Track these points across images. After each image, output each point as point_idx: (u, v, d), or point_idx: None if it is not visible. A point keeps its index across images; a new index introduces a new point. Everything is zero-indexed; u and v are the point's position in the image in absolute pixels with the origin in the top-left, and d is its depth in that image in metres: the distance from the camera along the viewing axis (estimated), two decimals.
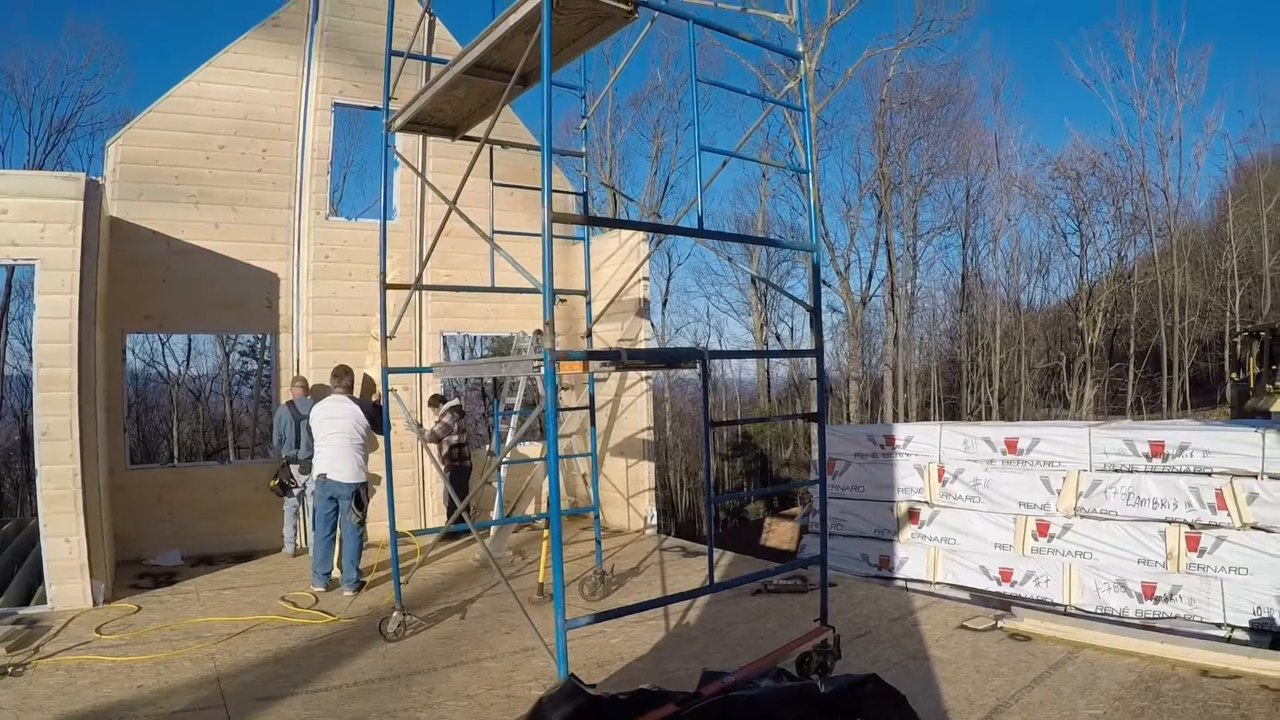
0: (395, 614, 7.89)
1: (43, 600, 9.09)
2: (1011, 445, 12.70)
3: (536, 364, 5.76)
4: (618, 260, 12.61)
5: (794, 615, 8.07)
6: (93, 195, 9.39)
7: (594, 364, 6.29)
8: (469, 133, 8.62)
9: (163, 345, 36.93)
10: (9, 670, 7.09)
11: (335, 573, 9.87)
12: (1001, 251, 38.36)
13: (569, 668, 5.04)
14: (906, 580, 13.22)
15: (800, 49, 7.31)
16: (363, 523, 9.72)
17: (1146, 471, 11.62)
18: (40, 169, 32.14)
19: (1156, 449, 11.61)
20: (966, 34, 41.31)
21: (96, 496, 9.38)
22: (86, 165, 35.24)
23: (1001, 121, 39.66)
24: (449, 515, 11.59)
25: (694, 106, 6.42)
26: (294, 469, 11.20)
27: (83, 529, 9.01)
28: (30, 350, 9.77)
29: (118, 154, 11.83)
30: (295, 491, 11.35)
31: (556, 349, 5.16)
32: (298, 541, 11.60)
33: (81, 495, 9.02)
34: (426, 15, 8.38)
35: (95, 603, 9.08)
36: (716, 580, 6.16)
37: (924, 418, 35.70)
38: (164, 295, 11.80)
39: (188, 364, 38.49)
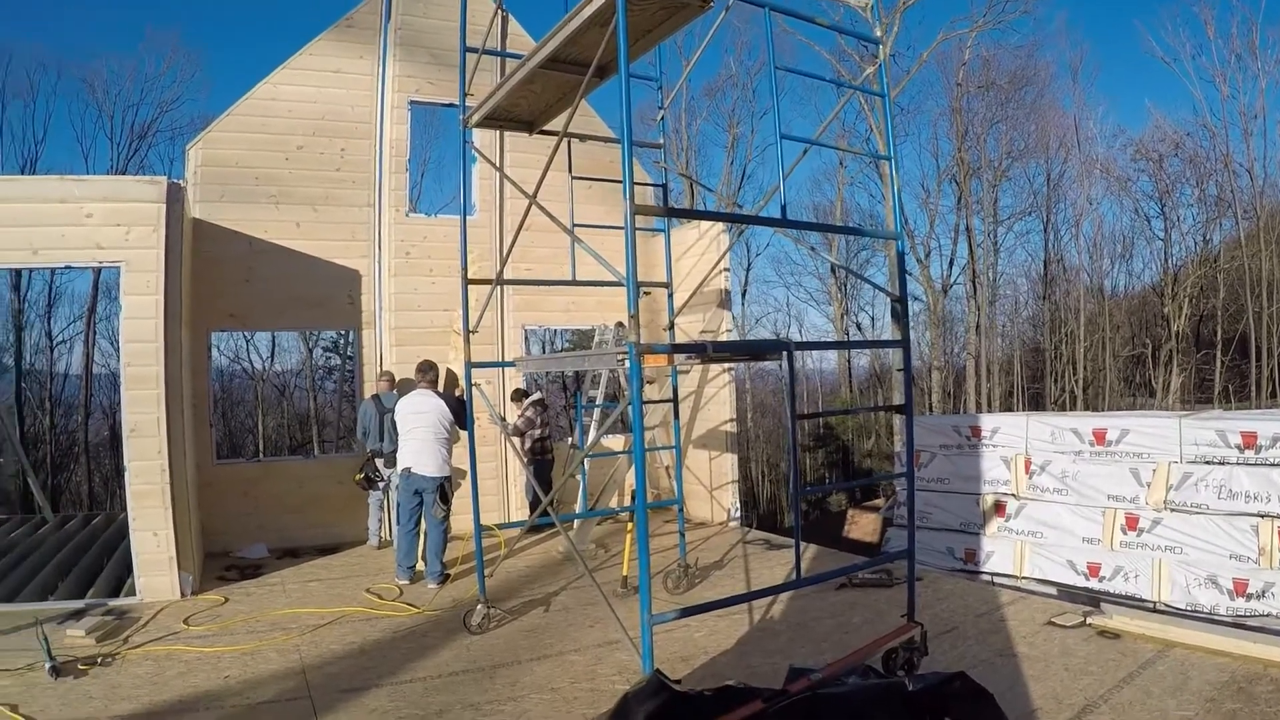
0: (479, 607, 7.92)
1: (132, 592, 9.27)
2: (1100, 436, 12.40)
3: (621, 357, 5.73)
4: (698, 251, 12.54)
5: (879, 610, 7.96)
6: (175, 198, 9.53)
7: (678, 357, 6.25)
8: (546, 127, 8.61)
9: (247, 342, 37.66)
10: (99, 660, 7.24)
11: (419, 566, 9.95)
12: (1084, 236, 37.52)
13: (654, 662, 5.00)
14: (992, 575, 12.98)
15: (877, 32, 7.19)
16: (447, 516, 9.78)
17: (1239, 464, 11.24)
18: (123, 174, 32.84)
19: (1249, 440, 11.24)
20: (1042, 14, 40.49)
21: (184, 491, 9.55)
22: (168, 169, 36.01)
23: (1080, 103, 38.76)
24: (531, 508, 11.70)
25: (773, 94, 6.33)
26: (379, 463, 11.29)
27: (170, 523, 9.18)
28: (117, 349, 9.95)
29: (198, 157, 12.04)
30: (380, 485, 11.44)
31: (640, 342, 5.13)
32: (382, 534, 11.68)
33: (169, 490, 9.18)
34: (499, 11, 8.39)
35: (183, 594, 9.24)
36: (802, 575, 6.09)
37: (1007, 407, 35.08)
38: (247, 294, 12.00)
39: (272, 360, 39.24)
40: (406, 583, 9.77)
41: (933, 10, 55.28)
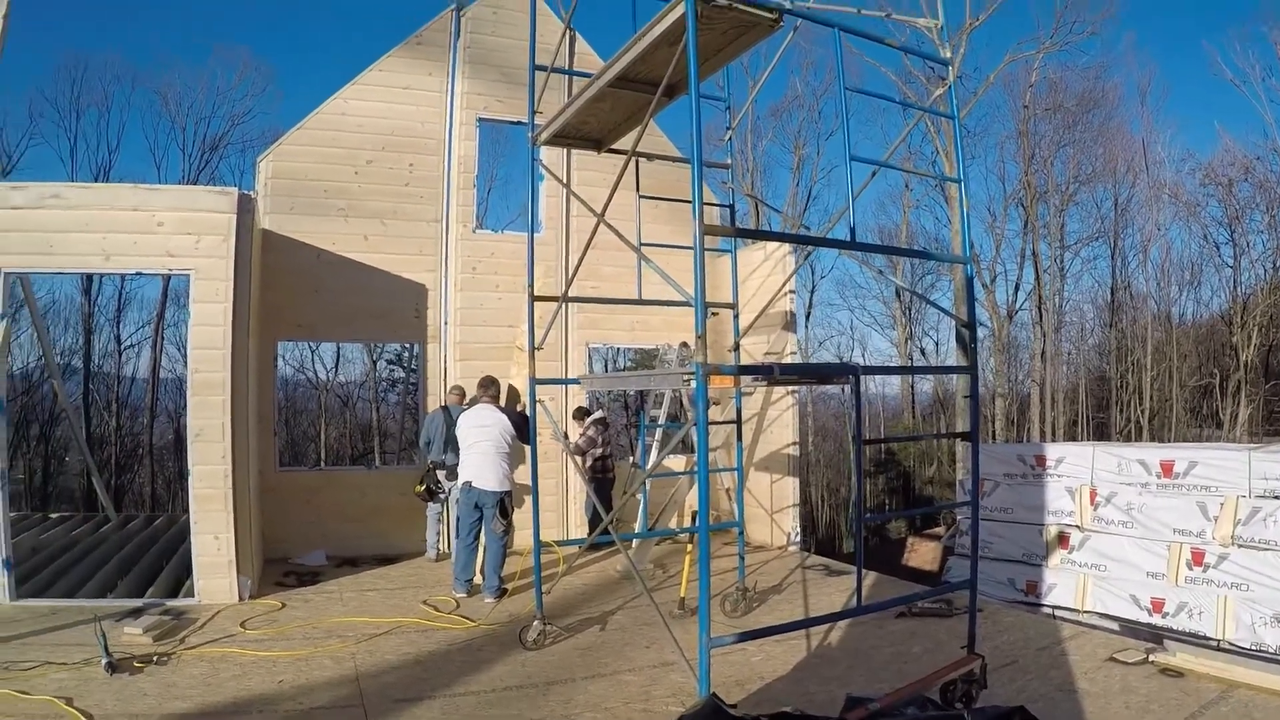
0: (536, 623, 7.90)
1: (190, 593, 9.42)
2: (1167, 468, 12.13)
3: (687, 378, 5.70)
4: (763, 273, 12.50)
5: (939, 640, 7.83)
6: (245, 209, 9.70)
7: (744, 379, 6.22)
8: (614, 145, 8.63)
9: (312, 352, 38.12)
10: (154, 659, 7.34)
11: (477, 579, 9.97)
12: (1151, 263, 36.74)
13: (710, 686, 4.96)
14: (1054, 607, 12.73)
15: (946, 54, 7.13)
16: (507, 530, 9.81)
17: None
18: (194, 184, 33.44)
19: None
20: (1109, 35, 39.55)
21: (246, 496, 9.68)
22: (238, 180, 36.54)
23: (1149, 126, 37.92)
24: (591, 526, 11.69)
25: (842, 116, 6.31)
26: (441, 475, 11.35)
27: (231, 527, 9.32)
28: (184, 355, 10.13)
29: (269, 169, 12.28)
30: (441, 497, 11.49)
31: (707, 363, 5.11)
32: (440, 547, 11.73)
33: (232, 495, 9.33)
34: (567, 30, 8.42)
35: (241, 598, 9.36)
36: (862, 602, 6.02)
37: (1071, 436, 34.49)
38: (315, 305, 12.19)
39: (336, 370, 39.69)
40: (464, 596, 9.78)
41: (999, 32, 54.93)
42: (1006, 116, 39.25)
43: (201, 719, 6.21)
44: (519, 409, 10.62)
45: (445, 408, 11.66)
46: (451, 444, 10.90)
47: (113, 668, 7.00)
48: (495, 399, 10.21)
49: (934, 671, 6.10)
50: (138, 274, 10.02)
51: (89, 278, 32.10)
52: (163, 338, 35.78)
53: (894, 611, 8.60)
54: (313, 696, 6.62)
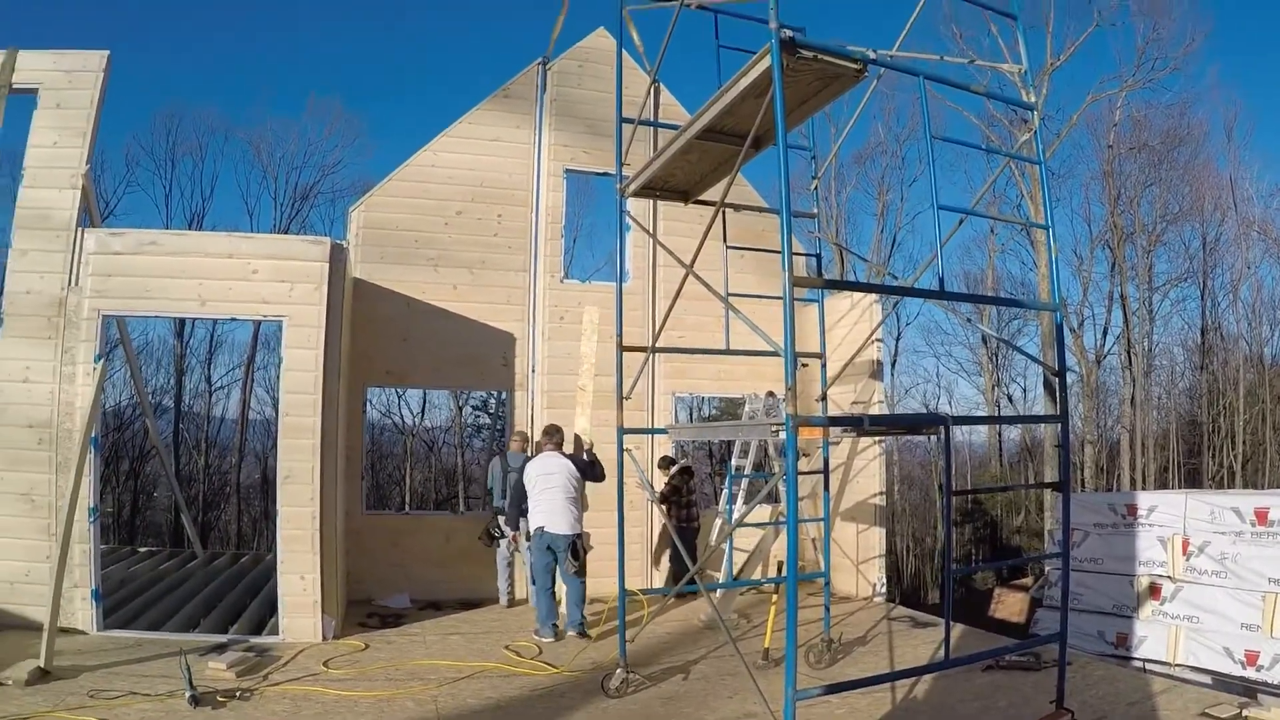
0: (619, 670, 7.89)
1: (274, 631, 9.57)
2: (1262, 516, 11.76)
3: (776, 429, 5.69)
4: (850, 321, 12.44)
5: (1026, 695, 7.63)
6: (337, 257, 9.94)
7: (833, 430, 6.20)
8: (701, 196, 8.69)
9: (399, 397, 38.58)
10: (237, 694, 7.46)
11: (560, 622, 10.06)
12: (1242, 302, 35.75)
13: None
14: (1145, 660, 12.40)
15: (1031, 99, 7.09)
16: (580, 571, 9.95)
17: None
18: (285, 233, 34.25)
19: None
20: (1193, 70, 38.69)
21: (333, 538, 9.85)
22: (329, 229, 37.42)
23: (1236, 162, 36.91)
24: (675, 575, 11.66)
25: (928, 165, 6.29)
26: (501, 520, 11.40)
27: (317, 567, 9.48)
28: (274, 397, 10.36)
29: (360, 219, 12.58)
30: (500, 541, 11.56)
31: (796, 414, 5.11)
32: (511, 594, 11.77)
33: (318, 536, 9.51)
34: (653, 83, 8.52)
35: (324, 637, 9.48)
36: (949, 656, 5.93)
37: (1162, 484, 33.55)
38: (404, 352, 12.40)
39: (422, 416, 40.12)
40: (551, 640, 9.83)
41: (1081, 71, 54.07)
42: (1091, 157, 38.45)
43: None
44: (587, 449, 10.70)
45: (503, 454, 11.87)
46: (511, 491, 11.04)
47: (196, 701, 7.15)
48: (559, 446, 10.35)
49: None
50: (232, 320, 10.29)
51: (181, 321, 32.91)
52: (252, 380, 36.61)
53: (980, 664, 8.43)
54: None
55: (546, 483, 9.97)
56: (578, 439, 10.49)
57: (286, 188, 39.10)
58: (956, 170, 40.38)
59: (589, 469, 10.09)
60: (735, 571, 11.60)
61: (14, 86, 10.13)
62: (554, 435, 10.43)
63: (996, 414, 37.60)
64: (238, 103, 63.49)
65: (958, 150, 39.25)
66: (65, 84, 10.12)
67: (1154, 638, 12.42)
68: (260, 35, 61.37)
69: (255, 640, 9.40)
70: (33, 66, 10.21)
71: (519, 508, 10.43)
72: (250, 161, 50.71)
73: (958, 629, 10.31)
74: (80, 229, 9.80)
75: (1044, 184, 7.56)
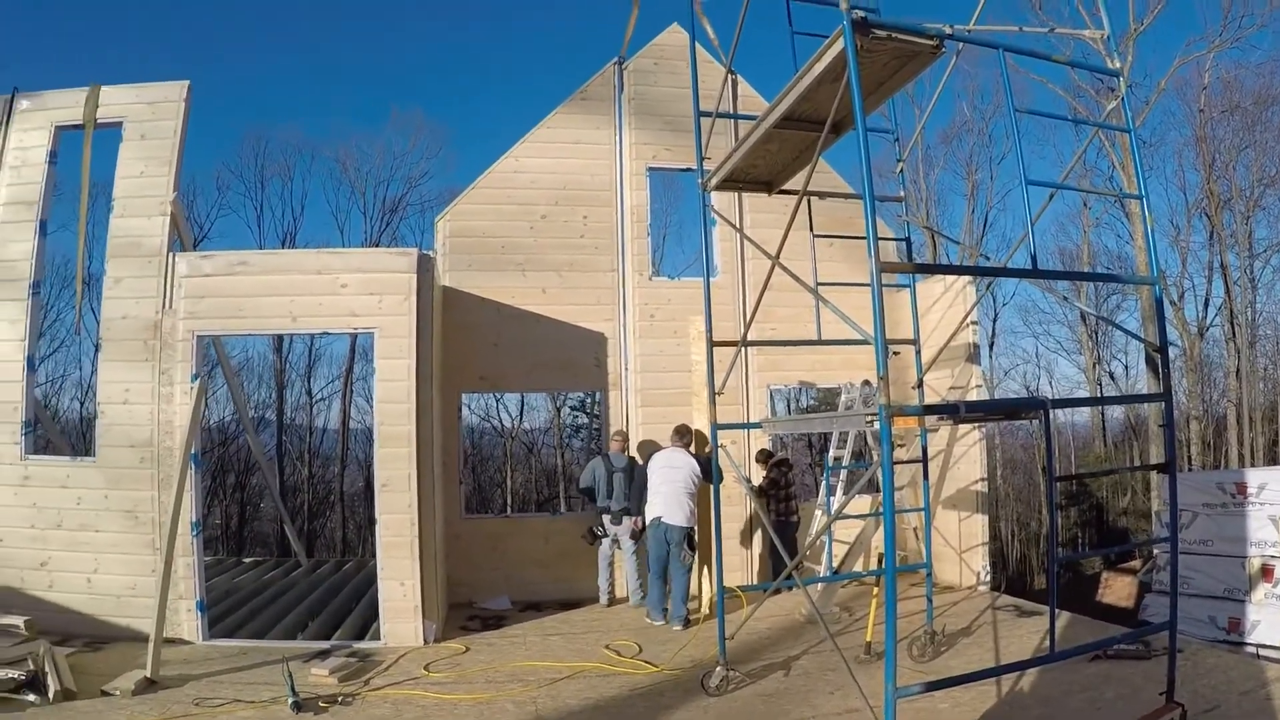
0: (718, 668, 7.82)
1: (376, 636, 9.73)
2: None
3: (870, 419, 5.58)
4: (944, 305, 12.21)
5: (1135, 685, 7.38)
6: (425, 267, 10.05)
7: (929, 418, 6.07)
8: (784, 186, 8.58)
9: (497, 401, 38.92)
10: (339, 699, 7.60)
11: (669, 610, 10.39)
12: None
13: None
14: (1258, 646, 11.98)
15: (1116, 65, 6.86)
16: (693, 563, 10.25)
17: None
18: (375, 246, 34.83)
19: None
20: None
21: (432, 543, 9.96)
22: (419, 240, 38.00)
23: None
24: (774, 570, 11.59)
25: (1014, 139, 6.13)
26: (605, 519, 11.49)
27: (417, 573, 9.59)
28: (373, 407, 10.52)
29: (446, 228, 12.73)
30: (601, 538, 11.61)
31: (890, 403, 5.00)
32: (612, 593, 11.78)
33: (417, 542, 9.62)
34: (729, 75, 8.43)
35: (425, 641, 9.59)
36: (1056, 646, 5.77)
37: (1271, 459, 32.19)
38: (496, 357, 12.48)
39: (521, 418, 40.43)
40: (661, 623, 10.34)
41: (1166, 34, 51.97)
42: (1182, 123, 37.20)
43: None
44: (706, 452, 10.80)
45: (605, 455, 11.90)
46: (617, 489, 11.40)
47: (298, 707, 7.29)
48: (687, 446, 10.73)
49: None
50: (324, 333, 10.49)
51: (280, 337, 33.67)
52: (351, 390, 37.24)
53: (1088, 654, 8.21)
54: None
55: (669, 475, 10.47)
56: (700, 435, 10.67)
57: (375, 202, 39.84)
58: (1045, 144, 39.55)
59: (708, 468, 10.20)
60: (836, 564, 11.46)
61: (99, 121, 10.53)
62: (685, 435, 10.89)
63: (1098, 393, 36.68)
64: (320, 121, 64.71)
65: (1045, 124, 38.39)
66: (148, 116, 10.46)
67: (1268, 622, 12.01)
68: (338, 52, 62.75)
69: (357, 646, 9.55)
70: (116, 101, 10.60)
71: (642, 498, 10.84)
72: (338, 178, 51.60)
73: (1064, 617, 10.04)
74: (171, 254, 10.12)
75: (1135, 152, 7.31)
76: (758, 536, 12.66)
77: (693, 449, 10.82)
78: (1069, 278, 31.60)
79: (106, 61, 51.68)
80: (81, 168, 10.62)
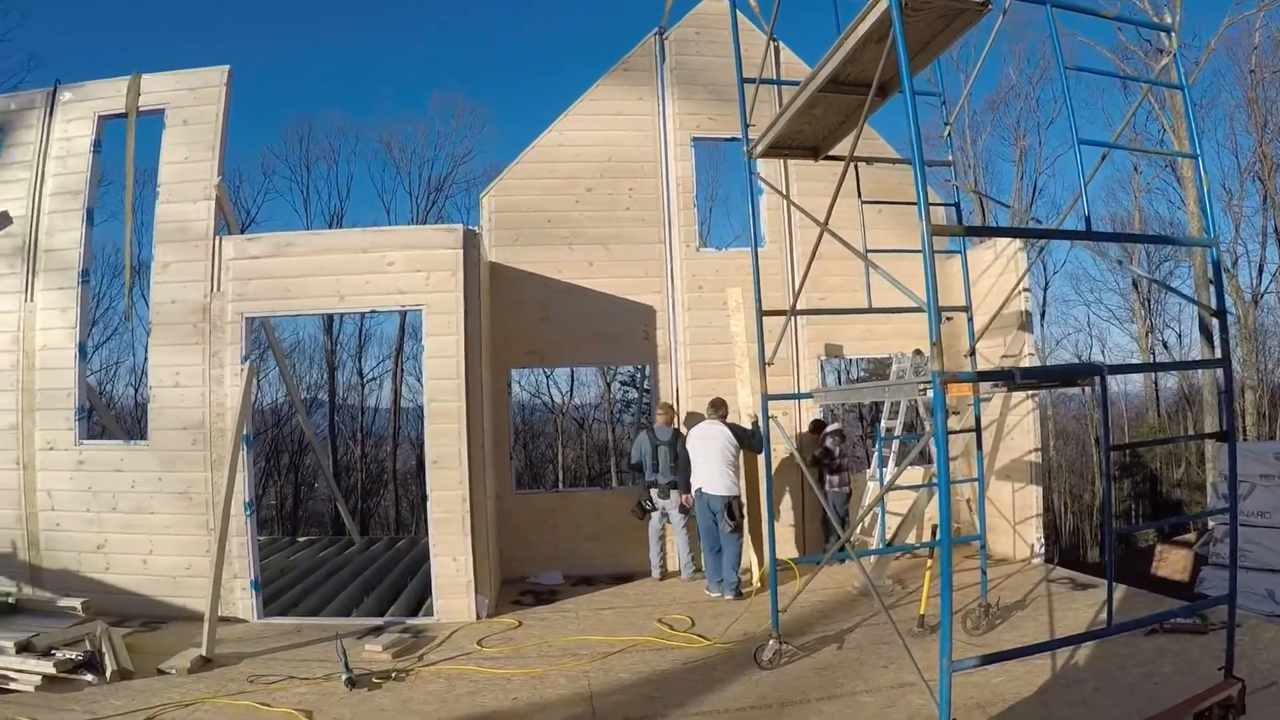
0: (771, 641, 7.77)
1: (429, 612, 9.80)
2: None
3: (923, 387, 5.49)
4: (995, 272, 12.01)
5: (1191, 660, 7.22)
6: (470, 243, 10.05)
7: (984, 385, 5.96)
8: (831, 152, 8.46)
9: (546, 377, 39.09)
10: (393, 675, 7.67)
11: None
12: None
13: (950, 711, 4.74)
14: None
15: (1166, 19, 6.66)
16: (736, 529, 10.33)
17: None
18: (422, 224, 34.94)
19: None
20: None
21: (483, 519, 10.00)
22: (464, 217, 38.01)
23: None
24: (826, 540, 11.52)
25: (1066, 98, 5.96)
26: (653, 493, 11.48)
27: (469, 549, 9.66)
28: (423, 385, 10.57)
29: (491, 204, 12.70)
30: (650, 511, 11.60)
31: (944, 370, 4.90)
32: (664, 566, 11.75)
33: (469, 518, 9.68)
34: (770, 41, 8.30)
35: (478, 617, 9.66)
36: (1112, 620, 5.65)
37: None
38: (544, 331, 12.47)
39: (571, 394, 40.57)
40: (717, 595, 10.49)
41: None
42: (1233, 85, 36.20)
43: None
44: (753, 421, 11.04)
45: (651, 429, 11.87)
46: (662, 462, 11.41)
47: (352, 683, 7.37)
48: (723, 418, 10.83)
49: (1190, 698, 5.67)
50: (372, 312, 10.57)
51: (330, 318, 33.99)
52: (402, 370, 37.54)
53: (1143, 628, 8.04)
54: (546, 714, 6.73)
55: (705, 447, 10.66)
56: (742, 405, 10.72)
57: (420, 181, 40.12)
58: (1094, 108, 38.92)
59: (749, 438, 10.72)
60: (889, 536, 11.36)
61: (141, 109, 10.65)
62: (719, 408, 11.03)
63: (1152, 361, 36.07)
64: (363, 104, 65.18)
65: (1094, 88, 37.86)
66: (190, 101, 10.56)
67: None
68: (378, 36, 63.09)
69: (411, 622, 9.61)
70: (157, 88, 10.71)
71: (688, 473, 10.90)
72: (382, 159, 52.23)
73: (1119, 590, 9.85)
74: (218, 237, 10.22)
75: (1187, 109, 7.09)
76: (809, 508, 12.57)
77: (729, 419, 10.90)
78: (1123, 240, 31.08)
79: (147, 51, 52.35)
80: (125, 156, 10.76)
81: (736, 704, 6.79)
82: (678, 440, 11.40)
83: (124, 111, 10.65)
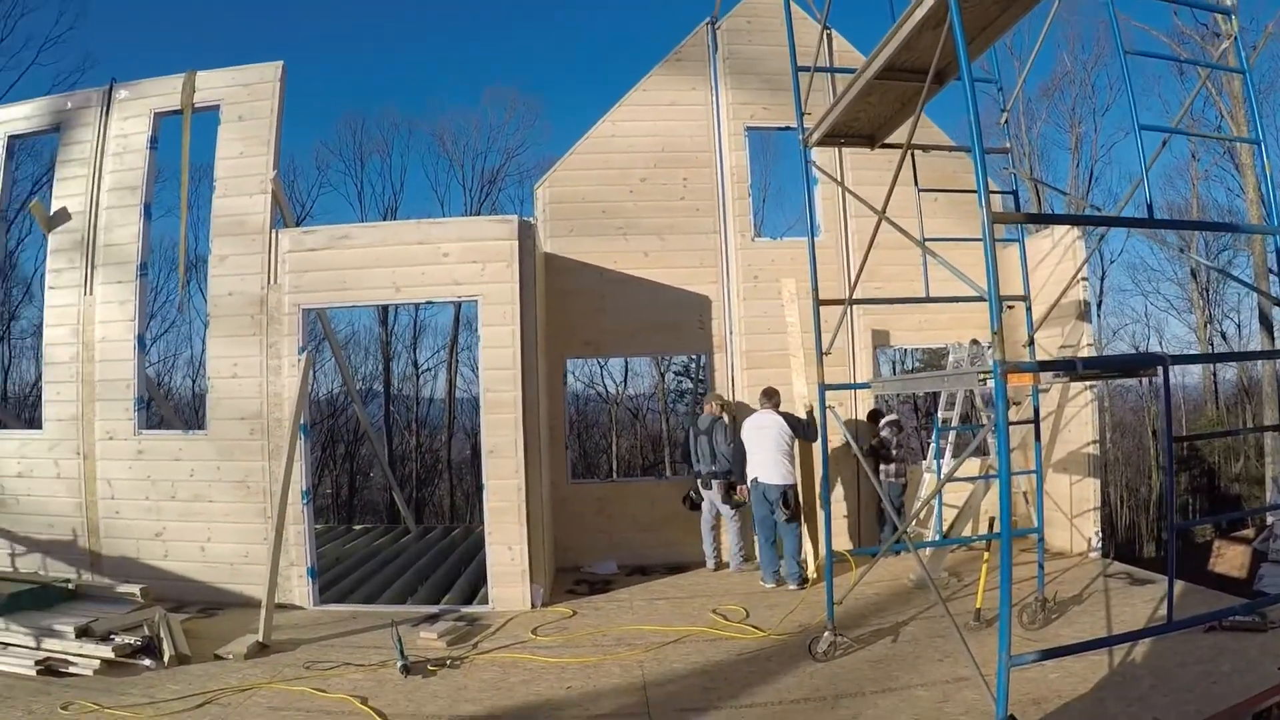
0: (826, 634, 7.72)
1: (484, 601, 9.87)
2: None
3: (983, 376, 5.42)
4: (1051, 262, 11.83)
5: (1251, 659, 7.04)
6: (525, 234, 10.08)
7: (1045, 375, 5.88)
8: (887, 140, 8.39)
9: (601, 368, 39.23)
10: (447, 662, 7.73)
11: (781, 571, 10.43)
12: None
13: (1008, 706, 4.68)
14: None
15: (1227, 1, 6.53)
16: (792, 519, 10.30)
17: None
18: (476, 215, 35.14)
19: None
20: None
21: (538, 508, 10.05)
22: (518, 210, 38.25)
23: None
24: (881, 530, 11.44)
25: (1125, 80, 5.91)
26: (699, 484, 11.55)
27: (524, 538, 9.70)
28: (478, 376, 10.63)
29: (546, 195, 12.74)
30: (705, 506, 11.60)
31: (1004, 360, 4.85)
32: (718, 556, 11.72)
33: (524, 507, 9.73)
34: (824, 30, 8.24)
35: (533, 605, 9.70)
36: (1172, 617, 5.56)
37: None
38: (600, 322, 12.50)
39: (625, 384, 40.64)
40: (772, 585, 10.44)
41: None
42: None
43: None
44: (807, 411, 11.12)
45: (696, 419, 11.88)
46: (702, 452, 11.44)
47: (407, 670, 7.44)
48: (776, 407, 10.81)
49: (1250, 698, 5.58)
50: (428, 302, 10.65)
51: (385, 309, 34.29)
52: (456, 360, 37.90)
53: (1201, 625, 7.90)
54: (599, 704, 6.73)
55: (760, 437, 10.60)
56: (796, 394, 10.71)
57: (473, 174, 40.43)
58: (1150, 95, 38.18)
59: (804, 427, 10.79)
60: (945, 528, 11.25)
61: (196, 106, 10.82)
62: (772, 397, 11.02)
63: (1211, 352, 35.43)
64: (415, 99, 65.60)
65: (1149, 76, 37.30)
66: (245, 97, 10.69)
67: None
68: (427, 31, 63.44)
69: (465, 610, 9.68)
70: (212, 85, 10.87)
71: (743, 464, 10.84)
72: (436, 153, 52.55)
73: (1178, 587, 9.67)
74: (274, 230, 10.35)
75: (1248, 92, 6.98)
76: (865, 499, 12.49)
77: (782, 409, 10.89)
78: (1184, 227, 30.64)
79: (201, 49, 53.01)
80: (181, 151, 10.93)
81: (790, 696, 6.76)
82: (715, 429, 11.40)
83: (179, 108, 10.83)
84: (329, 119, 59.65)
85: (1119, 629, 8.00)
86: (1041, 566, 8.81)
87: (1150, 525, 35.06)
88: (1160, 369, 5.62)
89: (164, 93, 10.94)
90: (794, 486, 10.50)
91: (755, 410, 11.12)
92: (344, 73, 61.61)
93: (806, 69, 7.89)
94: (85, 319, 10.73)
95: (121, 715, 6.55)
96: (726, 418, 11.77)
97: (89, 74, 34.97)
